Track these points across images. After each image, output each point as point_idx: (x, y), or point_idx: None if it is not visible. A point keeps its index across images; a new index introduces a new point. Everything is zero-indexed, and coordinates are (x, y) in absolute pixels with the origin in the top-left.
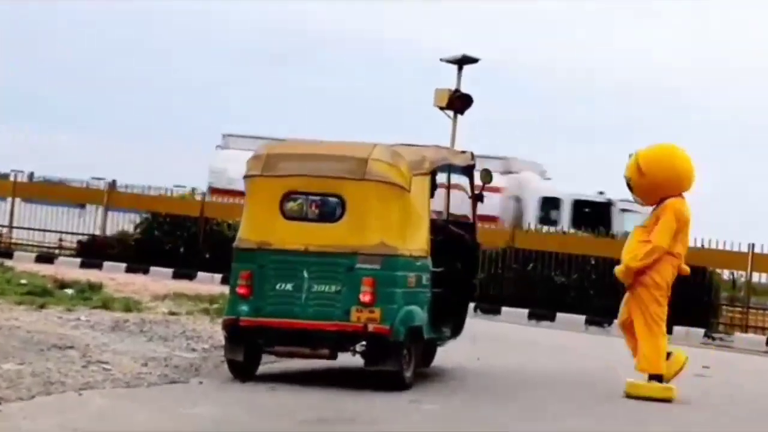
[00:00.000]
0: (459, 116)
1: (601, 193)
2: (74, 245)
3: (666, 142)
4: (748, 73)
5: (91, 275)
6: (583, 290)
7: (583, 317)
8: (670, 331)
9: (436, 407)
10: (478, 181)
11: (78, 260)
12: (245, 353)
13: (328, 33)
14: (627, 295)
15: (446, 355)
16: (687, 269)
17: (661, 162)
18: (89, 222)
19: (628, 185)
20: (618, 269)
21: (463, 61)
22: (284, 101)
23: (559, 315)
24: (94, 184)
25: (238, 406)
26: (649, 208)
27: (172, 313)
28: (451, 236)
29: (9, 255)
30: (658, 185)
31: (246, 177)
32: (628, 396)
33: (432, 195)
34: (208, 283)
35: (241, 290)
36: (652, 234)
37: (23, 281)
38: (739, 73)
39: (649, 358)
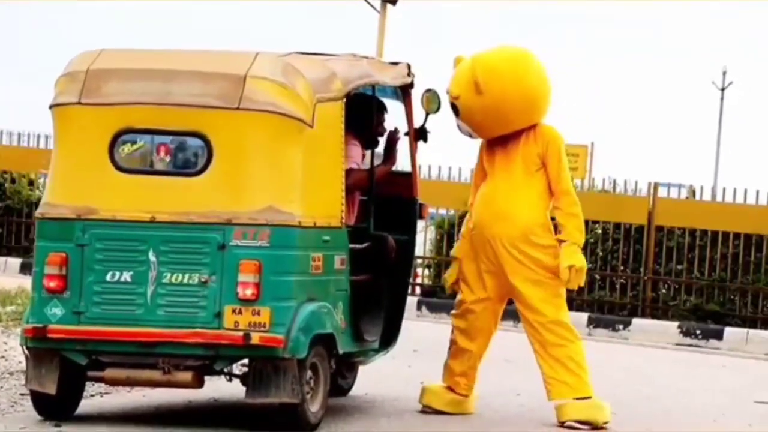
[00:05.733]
0: (390, 7)
1: None
2: None
3: (508, 45)
4: None
5: None
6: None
7: (585, 315)
8: None
9: None
10: (419, 109)
11: None
12: (59, 381)
13: None
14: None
15: (373, 377)
16: None
17: (511, 73)
18: None
19: (453, 106)
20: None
21: None
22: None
23: None
24: None
25: None
26: None
27: None
28: (379, 194)
29: None
30: (504, 109)
31: (55, 106)
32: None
33: (359, 136)
34: None
35: (50, 283)
36: (560, 181)
37: None
38: None
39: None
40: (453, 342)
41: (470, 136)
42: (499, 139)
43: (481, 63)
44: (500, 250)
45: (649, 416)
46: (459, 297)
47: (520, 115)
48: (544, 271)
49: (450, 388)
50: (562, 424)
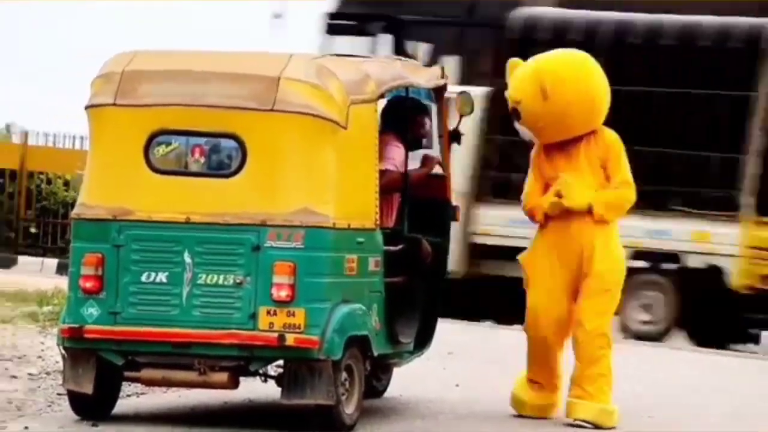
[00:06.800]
0: None
1: None
2: None
3: (568, 50)
4: None
5: None
6: None
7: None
8: None
9: None
10: (453, 111)
11: None
12: (96, 381)
13: None
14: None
15: (408, 378)
16: None
17: (575, 79)
18: None
19: (514, 111)
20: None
21: None
22: None
23: None
24: None
25: None
26: None
27: None
28: (414, 197)
29: None
30: (569, 114)
31: (90, 107)
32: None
33: (403, 138)
34: (35, 274)
35: (86, 284)
36: (618, 174)
37: None
38: None
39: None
40: (529, 344)
41: (531, 140)
42: (558, 145)
43: (547, 69)
44: (583, 244)
45: (686, 417)
46: (528, 302)
47: (582, 119)
48: (603, 282)
49: (537, 383)
50: (571, 423)
